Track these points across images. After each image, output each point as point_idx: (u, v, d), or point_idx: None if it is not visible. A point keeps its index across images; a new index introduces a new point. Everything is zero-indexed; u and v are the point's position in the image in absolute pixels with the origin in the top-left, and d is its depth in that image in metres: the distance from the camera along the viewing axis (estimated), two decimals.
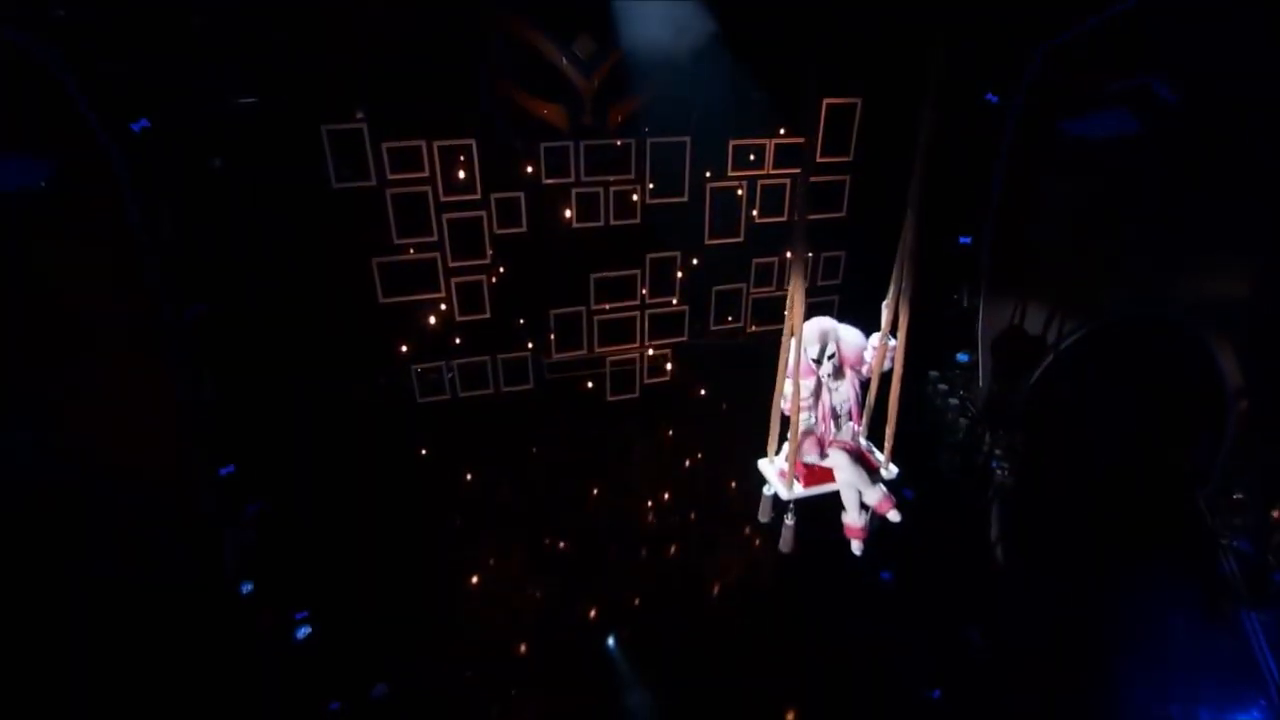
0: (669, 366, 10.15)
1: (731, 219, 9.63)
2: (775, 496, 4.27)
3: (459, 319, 9.11)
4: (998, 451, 9.43)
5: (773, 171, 9.50)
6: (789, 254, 3.86)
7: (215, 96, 7.50)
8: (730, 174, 9.42)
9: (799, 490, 4.16)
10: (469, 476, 9.39)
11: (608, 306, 9.57)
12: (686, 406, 10.33)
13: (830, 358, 4.12)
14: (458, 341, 9.14)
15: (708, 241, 9.67)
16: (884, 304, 4.13)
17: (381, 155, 8.17)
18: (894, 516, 4.21)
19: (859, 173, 9.70)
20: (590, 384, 9.85)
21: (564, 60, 8.44)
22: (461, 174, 8.51)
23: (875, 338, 4.17)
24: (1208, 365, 8.08)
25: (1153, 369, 8.50)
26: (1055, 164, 8.66)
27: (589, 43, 8.47)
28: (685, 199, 9.37)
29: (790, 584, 7.98)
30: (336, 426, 8.87)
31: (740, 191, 9.50)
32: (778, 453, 4.22)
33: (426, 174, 8.43)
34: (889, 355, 4.07)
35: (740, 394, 9.84)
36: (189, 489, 7.37)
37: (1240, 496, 7.85)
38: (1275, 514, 7.27)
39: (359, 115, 7.98)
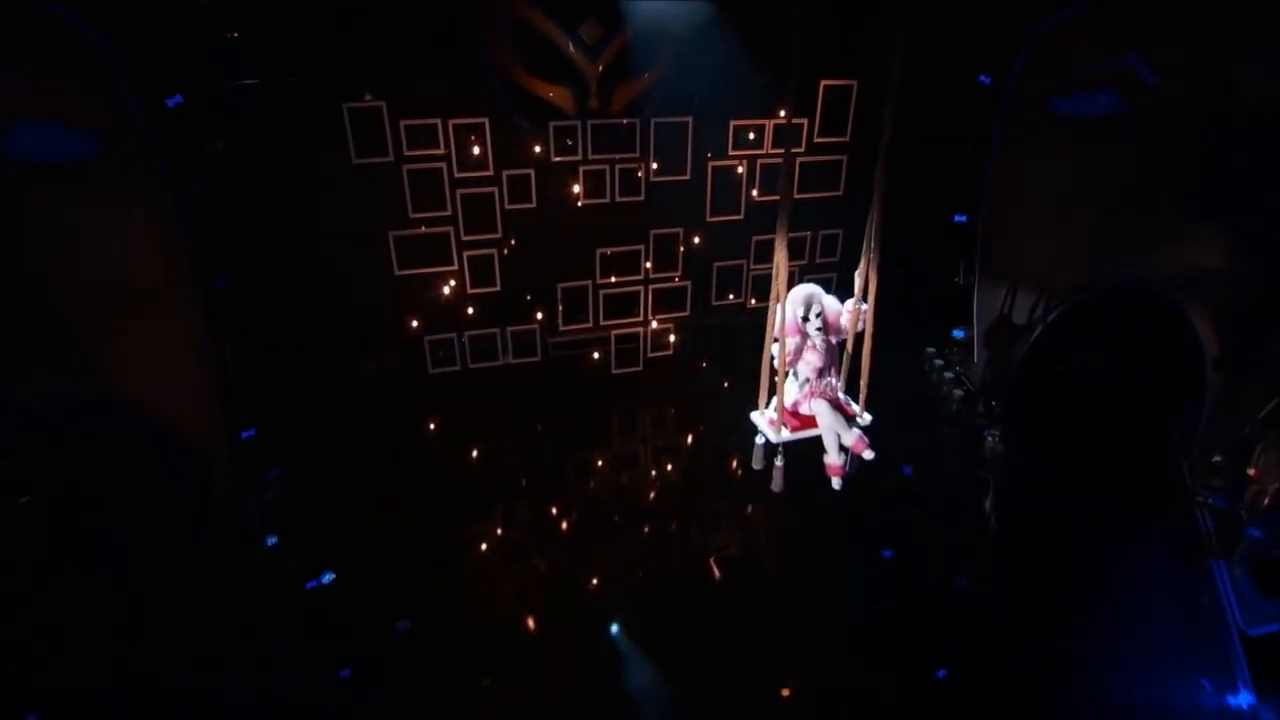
0: (672, 339, 10.55)
1: (732, 197, 10.04)
2: (766, 443, 4.76)
3: (470, 291, 9.53)
4: (989, 421, 9.85)
5: (771, 151, 9.90)
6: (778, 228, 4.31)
7: (239, 75, 7.92)
8: (731, 153, 9.82)
9: (786, 435, 4.66)
10: (475, 450, 9.74)
11: (614, 279, 9.97)
12: (689, 380, 10.70)
13: (817, 316, 4.59)
14: (470, 311, 9.54)
15: (709, 219, 10.07)
16: (856, 273, 4.60)
17: (399, 132, 8.59)
18: (868, 455, 4.70)
19: (856, 153, 10.10)
20: (596, 355, 10.24)
21: (570, 45, 8.84)
22: (476, 150, 8.91)
23: (850, 303, 4.64)
24: (1188, 335, 8.48)
25: (1136, 340, 8.88)
26: (1045, 142, 9.07)
27: (595, 27, 8.87)
28: (688, 177, 9.77)
29: (790, 558, 8.24)
30: (352, 394, 9.29)
31: (740, 170, 9.90)
32: (768, 405, 4.70)
33: (442, 151, 8.84)
34: (861, 317, 4.54)
35: (741, 368, 10.24)
36: (219, 445, 7.79)
37: (1219, 460, 8.22)
38: (1251, 471, 7.66)
39: (367, 97, 8.37)
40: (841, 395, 4.82)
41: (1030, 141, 9.28)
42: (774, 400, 4.62)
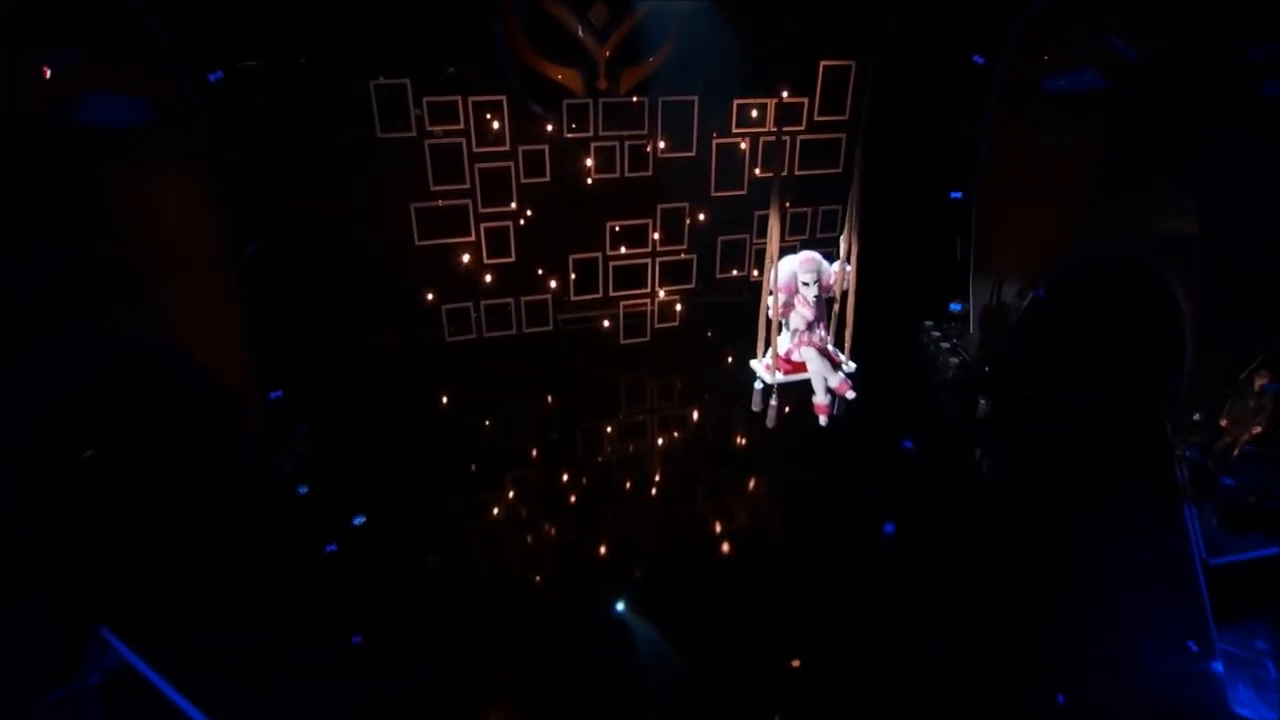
0: (678, 308, 11.06)
1: (735, 173, 10.54)
2: (763, 388, 5.39)
3: (487, 261, 10.05)
4: (982, 387, 10.34)
5: (772, 129, 10.39)
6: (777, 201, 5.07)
7: (274, 51, 8.44)
8: (734, 131, 10.32)
9: (780, 378, 5.31)
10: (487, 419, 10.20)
11: (623, 250, 10.48)
12: (695, 351, 11.16)
13: (816, 281, 5.25)
14: (488, 279, 10.06)
15: (714, 193, 10.58)
16: (840, 238, 5.25)
17: (423, 108, 9.11)
18: (850, 395, 5.34)
19: (855, 131, 10.58)
20: (606, 323, 10.75)
21: (580, 28, 9.34)
22: (496, 125, 9.43)
23: (836, 265, 5.30)
24: (1170, 300, 8.97)
25: (1122, 306, 9.37)
26: (1035, 121, 9.57)
27: (604, 11, 9.37)
28: (693, 154, 10.28)
29: (794, 530, 8.60)
30: (373, 359, 9.82)
31: (743, 146, 10.40)
32: (764, 353, 5.35)
33: (461, 126, 9.36)
34: (845, 278, 5.22)
35: (745, 341, 10.75)
36: (254, 401, 8.32)
37: (1198, 417, 8.68)
38: (1222, 423, 8.13)
39: (381, 78, 8.85)
40: (830, 346, 5.45)
41: (1020, 120, 9.79)
42: (770, 349, 5.27)
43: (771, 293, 5.13)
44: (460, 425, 9.95)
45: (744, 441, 9.87)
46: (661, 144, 10.15)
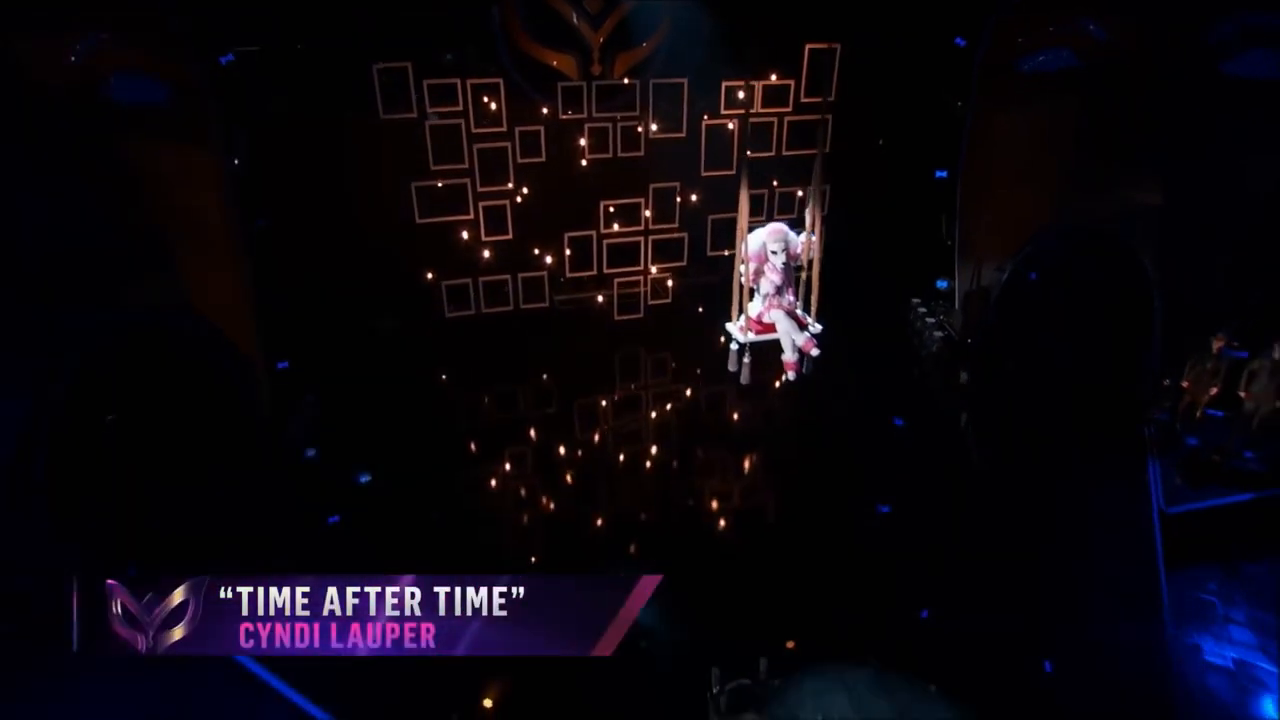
0: (670, 284, 11.47)
1: (724, 154, 10.94)
2: (738, 348, 5.93)
3: (485, 238, 10.47)
4: (963, 359, 10.76)
5: (762, 110, 10.78)
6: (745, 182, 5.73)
7: (283, 36, 8.85)
8: (723, 112, 10.71)
9: (752, 337, 5.90)
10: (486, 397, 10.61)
11: (616, 228, 10.89)
12: (687, 328, 11.55)
13: (784, 248, 5.80)
14: (485, 255, 10.49)
15: (704, 173, 10.98)
16: (806, 211, 5.82)
17: (423, 90, 9.51)
18: (814, 352, 5.90)
19: (840, 113, 10.97)
20: (601, 298, 11.16)
21: (574, 15, 9.74)
22: (493, 106, 9.84)
23: (803, 235, 5.82)
24: (1139, 271, 9.36)
25: (1095, 278, 9.78)
26: (1012, 98, 9.96)
27: None
28: (684, 135, 10.68)
29: (786, 506, 8.97)
30: (377, 332, 10.27)
31: (731, 127, 10.80)
32: (739, 316, 5.91)
33: (460, 108, 9.77)
34: (811, 247, 5.78)
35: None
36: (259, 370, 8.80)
37: (1168, 383, 9.07)
38: (1184, 384, 8.53)
39: (382, 64, 9.24)
40: (799, 310, 5.99)
41: (999, 100, 10.18)
42: (743, 312, 5.88)
43: (744, 261, 5.69)
44: (459, 395, 10.39)
45: (735, 416, 10.29)
46: (654, 126, 10.54)
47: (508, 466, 9.37)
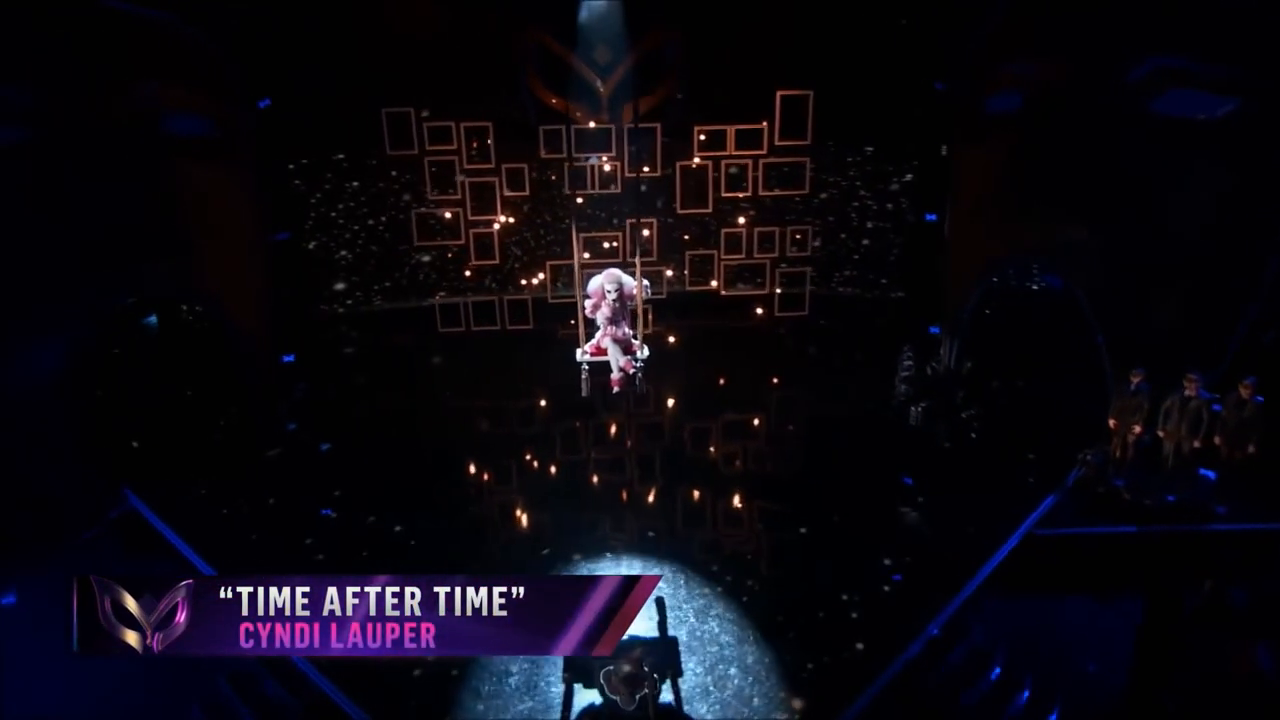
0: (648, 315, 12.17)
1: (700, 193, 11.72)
2: (584, 370, 7.14)
3: (474, 262, 11.71)
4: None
5: (735, 152, 11.52)
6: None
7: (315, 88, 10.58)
8: (698, 156, 11.54)
9: (588, 358, 7.16)
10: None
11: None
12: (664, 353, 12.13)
13: (618, 290, 6.86)
14: (467, 274, 11.77)
15: (680, 211, 11.78)
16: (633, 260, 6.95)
17: (423, 130, 11.01)
18: (631, 370, 7.08)
19: (816, 156, 11.53)
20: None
21: (586, 68, 10.97)
22: (477, 145, 11.20)
23: (635, 282, 6.92)
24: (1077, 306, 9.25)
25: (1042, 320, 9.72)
26: (981, 136, 10.23)
27: (606, 52, 10.98)
28: (659, 174, 11.58)
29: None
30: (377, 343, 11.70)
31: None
32: (586, 341, 7.14)
33: (455, 146, 11.17)
34: (643, 290, 7.01)
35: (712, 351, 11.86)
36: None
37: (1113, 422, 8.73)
38: (1111, 422, 8.24)
39: (425, 113, 10.87)
40: (634, 339, 7.18)
41: (973, 141, 10.47)
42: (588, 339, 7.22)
43: (586, 297, 6.98)
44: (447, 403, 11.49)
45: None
46: (645, 169, 11.50)
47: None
